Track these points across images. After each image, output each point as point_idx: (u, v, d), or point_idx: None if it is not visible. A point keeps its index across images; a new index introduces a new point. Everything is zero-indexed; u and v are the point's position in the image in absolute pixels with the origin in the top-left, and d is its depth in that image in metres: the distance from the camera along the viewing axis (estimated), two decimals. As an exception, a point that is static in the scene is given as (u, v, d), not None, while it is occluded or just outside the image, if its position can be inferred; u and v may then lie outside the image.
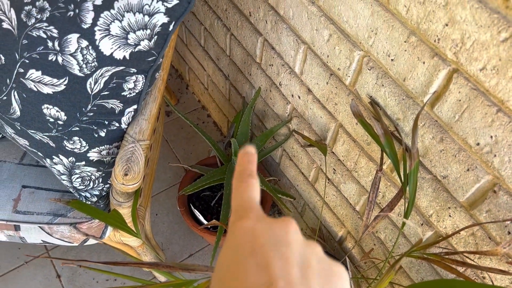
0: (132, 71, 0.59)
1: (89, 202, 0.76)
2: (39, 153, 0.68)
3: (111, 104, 0.61)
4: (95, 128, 0.63)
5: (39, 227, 0.78)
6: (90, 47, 0.54)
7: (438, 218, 0.70)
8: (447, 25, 0.52)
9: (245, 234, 0.23)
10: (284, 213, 1.30)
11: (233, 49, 1.08)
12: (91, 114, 0.61)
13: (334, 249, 1.09)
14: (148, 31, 0.55)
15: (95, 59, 0.55)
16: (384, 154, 0.69)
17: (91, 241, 0.85)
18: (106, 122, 0.64)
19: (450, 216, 0.67)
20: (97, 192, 0.75)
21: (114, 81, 0.59)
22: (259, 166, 1.18)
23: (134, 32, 0.54)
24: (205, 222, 1.04)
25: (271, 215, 1.30)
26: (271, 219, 0.24)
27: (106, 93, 0.60)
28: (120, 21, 0.53)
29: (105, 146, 0.67)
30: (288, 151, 1.08)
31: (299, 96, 0.90)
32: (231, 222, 0.24)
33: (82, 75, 0.56)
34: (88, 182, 0.72)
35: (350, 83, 0.74)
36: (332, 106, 0.81)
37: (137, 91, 0.63)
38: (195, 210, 1.06)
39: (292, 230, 0.23)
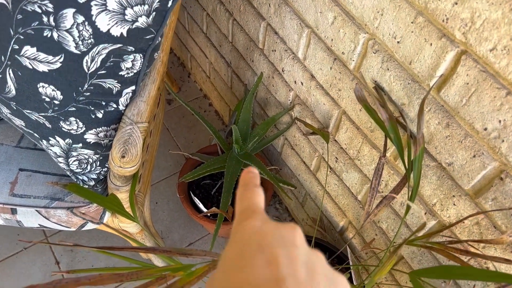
0: (129, 49, 0.57)
1: (87, 186, 0.75)
2: (35, 134, 0.66)
3: (109, 84, 0.60)
4: (92, 108, 0.62)
5: (36, 210, 0.77)
6: (86, 23, 0.52)
7: (442, 207, 0.68)
8: (456, 3, 0.50)
9: (252, 232, 0.23)
10: (285, 203, 1.29)
11: (236, 34, 1.06)
12: (88, 94, 0.60)
13: (335, 240, 1.08)
14: (146, 7, 0.53)
15: (91, 36, 0.54)
16: (388, 140, 0.68)
17: (89, 226, 0.84)
18: (103, 103, 0.62)
19: (454, 204, 0.66)
20: (94, 176, 0.73)
21: (111, 59, 0.57)
22: (260, 154, 1.17)
23: (132, 7, 0.52)
24: (205, 210, 1.03)
25: (272, 205, 1.29)
26: (277, 223, 0.24)
27: (103, 72, 0.58)
28: (117, -4, 0.51)
29: (103, 127, 0.65)
30: (290, 139, 1.06)
31: (302, 83, 0.88)
32: (236, 223, 0.24)
33: (78, 52, 0.55)
34: (86, 165, 0.71)
35: (354, 68, 0.72)
36: (336, 92, 0.79)
37: (135, 71, 0.61)
38: (195, 198, 1.05)
39: (299, 235, 0.23)
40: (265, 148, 1.22)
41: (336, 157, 0.90)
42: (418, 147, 0.58)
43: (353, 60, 0.71)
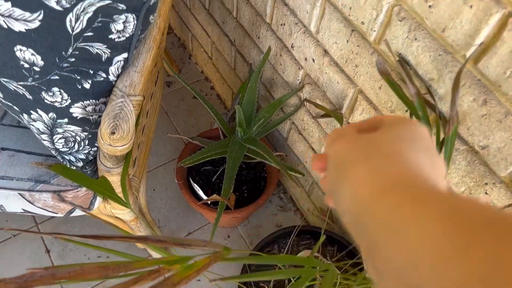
0: (120, 8, 0.49)
1: (74, 167, 0.68)
2: (14, 107, 0.59)
3: (97, 48, 0.52)
4: (78, 77, 0.54)
5: (19, 194, 0.70)
6: (68, -28, 0.45)
7: (471, 196, 0.61)
8: (507, -47, 0.42)
9: (424, 133, 0.26)
10: (290, 192, 1.21)
11: (241, 9, 0.98)
12: (73, 59, 0.52)
13: (344, 231, 1.01)
14: (139, -46, 0.45)
15: (75, -12, 0.46)
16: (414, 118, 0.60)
17: (78, 212, 0.77)
18: (91, 72, 0.55)
19: (486, 193, 0.58)
20: (83, 156, 0.66)
21: (99, 19, 0.49)
22: (264, 139, 1.09)
23: (122, -46, 0.45)
24: (205, 197, 0.96)
25: (276, 194, 1.22)
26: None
27: (90, 34, 0.50)
28: None
29: (91, 100, 0.58)
30: (297, 123, 0.99)
31: (313, 59, 0.80)
32: (401, 119, 0.27)
33: (60, 8, 0.47)
34: (73, 143, 0.63)
35: (375, 40, 0.64)
36: (352, 69, 0.72)
37: (127, 35, 0.53)
38: (195, 184, 0.98)
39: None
40: (269, 134, 1.15)
41: (349, 142, 0.82)
42: (451, 125, 0.50)
43: (374, 31, 0.63)
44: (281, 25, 0.85)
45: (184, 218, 1.18)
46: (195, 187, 0.97)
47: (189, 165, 0.95)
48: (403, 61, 0.60)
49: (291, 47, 0.85)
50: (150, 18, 0.55)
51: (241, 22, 1.01)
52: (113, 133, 0.54)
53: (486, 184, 0.58)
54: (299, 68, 0.87)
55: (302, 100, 0.91)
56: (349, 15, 0.66)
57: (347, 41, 0.69)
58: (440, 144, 0.52)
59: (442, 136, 0.54)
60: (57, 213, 0.75)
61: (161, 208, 1.19)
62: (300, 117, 0.96)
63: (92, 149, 0.65)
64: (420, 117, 0.53)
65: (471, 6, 0.48)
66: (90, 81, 0.55)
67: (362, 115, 0.75)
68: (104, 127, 0.54)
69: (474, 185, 0.59)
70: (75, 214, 0.76)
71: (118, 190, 0.70)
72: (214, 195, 0.88)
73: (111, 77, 0.57)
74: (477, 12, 0.48)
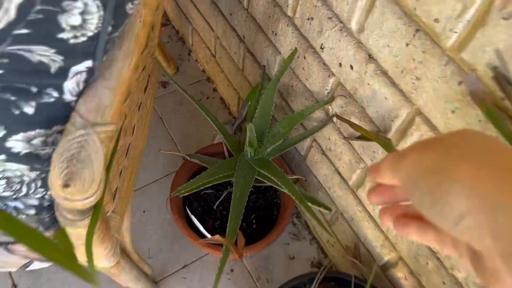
0: (73, -11, 0.30)
1: (24, 216, 0.49)
2: None
3: (39, 54, 0.33)
4: (13, 99, 0.35)
5: (-49, 246, 0.51)
6: None
7: None
8: None
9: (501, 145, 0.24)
10: (305, 217, 1.03)
11: (254, -3, 0.78)
12: (0, 71, 0.33)
13: (375, 275, 0.82)
14: None
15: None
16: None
17: (37, 265, 0.58)
18: (34, 90, 0.35)
19: None
20: (35, 202, 0.47)
21: (37, 7, 0.30)
22: (278, 158, 0.90)
23: None
24: (208, 235, 0.77)
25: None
26: None
27: (24, 31, 0.31)
28: None
29: (37, 131, 0.38)
30: (320, 142, 0.80)
31: (351, 66, 0.61)
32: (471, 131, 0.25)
33: (-34, -12, 0.28)
34: (19, 186, 0.44)
35: (453, 45, 0.45)
36: (410, 82, 0.52)
37: (89, 33, 0.34)
38: (194, 218, 0.79)
39: None
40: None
41: (394, 174, 0.63)
42: None
43: (455, 32, 0.44)
44: (308, 19, 0.66)
45: (179, 246, 1.00)
46: (195, 222, 0.78)
47: (186, 194, 0.76)
48: (502, 79, 0.41)
49: (320, 48, 0.66)
50: (126, 7, 0.36)
51: (253, 15, 0.82)
52: (67, 185, 0.35)
53: None
54: (329, 76, 0.67)
55: (331, 116, 0.72)
56: (414, 9, 0.47)
57: (407, 45, 0.50)
58: None
59: None
60: (8, 268, 0.56)
61: (152, 235, 1.00)
62: (326, 135, 0.77)
63: (48, 192, 0.46)
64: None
65: None
66: (33, 104, 0.36)
67: (419, 143, 0.56)
68: (54, 176, 0.35)
69: None
70: (31, 268, 0.57)
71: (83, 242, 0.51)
72: (217, 236, 0.69)
73: (68, 97, 0.37)
74: None
